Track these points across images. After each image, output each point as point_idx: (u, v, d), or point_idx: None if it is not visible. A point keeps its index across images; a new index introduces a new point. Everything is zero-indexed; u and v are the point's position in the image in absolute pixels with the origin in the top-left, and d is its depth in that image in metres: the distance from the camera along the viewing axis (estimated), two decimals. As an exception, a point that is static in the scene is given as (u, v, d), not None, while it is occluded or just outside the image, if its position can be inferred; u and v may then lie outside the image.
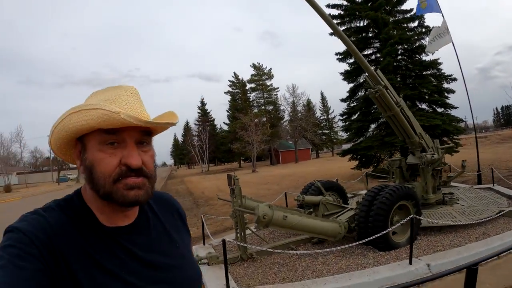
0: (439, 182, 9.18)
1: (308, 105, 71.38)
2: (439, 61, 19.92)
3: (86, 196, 1.10)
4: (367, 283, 5.24)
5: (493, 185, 11.80)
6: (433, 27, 15.28)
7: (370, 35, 21.11)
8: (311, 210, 8.31)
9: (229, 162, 78.41)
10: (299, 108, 64.98)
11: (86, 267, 0.97)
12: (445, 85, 19.85)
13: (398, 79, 20.04)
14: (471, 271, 3.85)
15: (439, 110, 19.48)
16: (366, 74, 8.84)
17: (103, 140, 1.02)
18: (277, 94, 66.31)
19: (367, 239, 6.08)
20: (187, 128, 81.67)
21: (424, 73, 19.67)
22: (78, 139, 1.06)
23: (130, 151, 1.04)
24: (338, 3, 21.46)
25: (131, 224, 1.14)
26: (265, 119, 61.76)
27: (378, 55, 20.32)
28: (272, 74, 65.31)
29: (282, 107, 64.69)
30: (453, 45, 15.03)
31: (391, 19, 19.76)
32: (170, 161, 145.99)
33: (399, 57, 20.34)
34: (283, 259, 6.87)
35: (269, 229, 8.67)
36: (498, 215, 7.79)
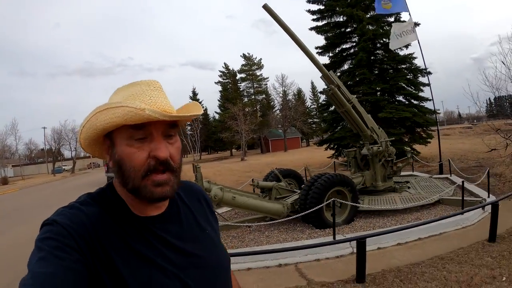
0: (390, 171, 10.21)
1: (299, 94, 72.35)
2: (414, 55, 20.97)
3: (118, 188, 1.15)
4: (292, 250, 6.18)
5: (450, 175, 12.75)
6: (395, 23, 16.08)
7: (348, 30, 21.88)
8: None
9: (222, 151, 79.29)
10: (289, 97, 66.12)
11: (123, 254, 1.03)
12: (421, 79, 20.77)
13: (376, 72, 20.98)
14: (360, 243, 5.01)
15: (416, 102, 20.28)
16: (321, 75, 9.94)
17: (131, 135, 1.06)
18: (266, 84, 67.40)
19: (300, 214, 7.71)
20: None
21: (399, 67, 20.51)
22: (106, 135, 1.10)
23: (157, 144, 1.07)
24: (319, -1, 22.15)
25: (162, 214, 1.18)
26: (254, 108, 62.84)
27: (357, 49, 21.11)
28: (262, 64, 66.70)
29: (272, 97, 65.88)
30: (419, 42, 16.00)
31: (368, 15, 20.52)
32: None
33: (378, 51, 21.25)
34: (238, 233, 8.21)
35: (235, 210, 10.07)
36: (433, 201, 8.83)
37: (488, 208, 7.78)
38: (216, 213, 1.49)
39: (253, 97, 66.73)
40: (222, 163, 42.14)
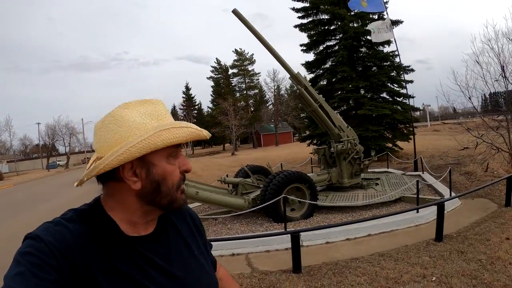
0: (357, 168, 10.51)
1: (291, 88, 72.54)
2: (396, 53, 21.17)
3: (107, 205, 1.13)
4: (246, 240, 6.80)
5: (422, 173, 12.99)
6: (374, 21, 16.31)
7: (332, 27, 21.98)
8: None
9: (216, 145, 79.46)
10: (282, 92, 66.47)
11: (109, 276, 1.02)
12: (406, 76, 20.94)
13: (360, 69, 21.18)
14: (294, 237, 5.29)
15: (399, 99, 20.47)
16: (289, 76, 10.31)
17: (170, 154, 1.10)
18: (258, 79, 67.66)
19: (254, 208, 8.37)
20: (174, 111, 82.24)
21: (382, 64, 20.68)
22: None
23: (183, 159, 1.15)
24: (303, -3, 22.24)
25: (151, 234, 1.17)
26: (246, 103, 63.10)
27: (337, 47, 21.28)
28: (254, 59, 66.88)
29: (265, 92, 66.20)
30: (395, 41, 16.26)
31: (351, 13, 20.58)
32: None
33: (362, 49, 21.44)
34: (205, 225, 8.72)
35: (208, 205, 10.41)
36: (394, 198, 9.12)
37: (448, 206, 8.10)
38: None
39: (245, 92, 67.07)
40: (212, 158, 42.37)
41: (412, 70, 21.07)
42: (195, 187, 8.72)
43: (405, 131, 20.07)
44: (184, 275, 1.18)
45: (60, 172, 54.29)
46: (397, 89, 20.29)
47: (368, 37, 18.03)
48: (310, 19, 22.54)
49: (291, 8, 22.68)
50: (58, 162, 74.29)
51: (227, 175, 11.95)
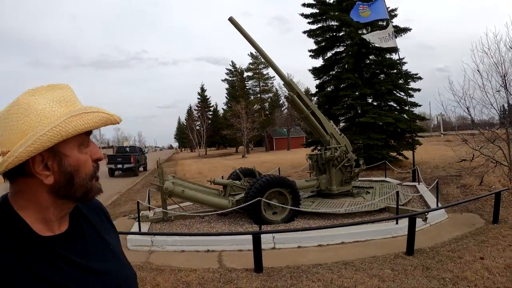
0: (348, 176, 10.52)
1: (306, 94, 72.44)
2: (404, 61, 21.10)
3: (17, 204, 1.03)
4: (223, 238, 7.17)
5: (418, 184, 12.85)
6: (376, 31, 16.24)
7: (340, 34, 21.94)
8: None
9: (230, 147, 79.63)
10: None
11: (26, 280, 0.94)
12: (413, 84, 20.88)
13: (367, 76, 21.09)
14: (255, 238, 5.58)
15: (407, 108, 20.26)
16: (283, 82, 10.47)
17: (82, 142, 1.04)
18: (273, 83, 67.77)
19: (232, 208, 8.84)
20: (190, 112, 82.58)
21: (391, 71, 20.55)
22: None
23: (94, 147, 1.09)
24: (313, 3, 22.32)
25: (65, 232, 1.10)
26: (259, 107, 63.22)
27: (344, 54, 21.24)
28: (269, 63, 66.06)
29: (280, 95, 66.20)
30: (397, 49, 16.20)
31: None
32: (175, 144, 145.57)
33: (370, 56, 21.37)
34: (190, 222, 9.47)
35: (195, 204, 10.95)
36: (378, 208, 9.13)
37: (433, 219, 8.06)
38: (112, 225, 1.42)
39: (259, 95, 67.16)
40: (222, 159, 42.60)
41: (420, 78, 20.79)
42: (182, 186, 9.20)
43: (410, 140, 19.90)
44: (104, 270, 1.14)
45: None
46: (404, 97, 20.03)
47: (373, 44, 17.92)
48: (319, 25, 22.45)
49: (300, 14, 22.74)
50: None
51: (222, 177, 12.14)
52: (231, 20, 10.03)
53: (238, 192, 9.63)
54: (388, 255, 6.19)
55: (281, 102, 67.83)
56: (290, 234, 7.16)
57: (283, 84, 10.85)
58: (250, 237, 6.01)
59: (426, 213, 7.88)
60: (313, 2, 22.34)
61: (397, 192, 8.05)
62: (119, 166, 26.68)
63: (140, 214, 9.11)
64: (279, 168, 16.75)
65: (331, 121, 11.06)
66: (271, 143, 66.51)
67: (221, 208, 8.98)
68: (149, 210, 10.23)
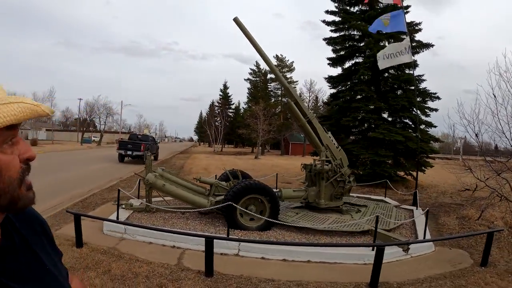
0: (339, 191, 10.10)
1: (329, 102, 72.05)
2: (423, 77, 20.52)
3: None
4: (190, 236, 7.07)
5: (417, 208, 12.34)
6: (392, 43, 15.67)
7: (361, 44, 21.42)
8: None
9: (249, 146, 79.71)
10: (320, 103, 65.98)
11: None
12: (430, 103, 20.24)
13: (384, 89, 20.56)
14: (208, 242, 5.58)
15: (422, 127, 19.64)
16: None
17: (4, 140, 0.87)
18: (295, 87, 67.24)
19: (203, 209, 8.96)
20: (212, 107, 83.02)
21: (407, 87, 19.92)
22: None
23: (24, 144, 0.92)
24: (335, 10, 21.97)
25: None
26: (279, 110, 62.92)
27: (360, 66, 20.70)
28: (294, 67, 66.80)
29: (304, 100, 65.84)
30: (413, 64, 15.59)
31: (380, 31, 19.99)
32: (196, 137, 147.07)
33: (391, 70, 20.70)
34: (169, 216, 9.47)
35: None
36: (360, 230, 8.56)
37: (417, 251, 7.54)
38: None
39: (280, 98, 66.70)
40: (234, 158, 42.76)
41: (438, 97, 20.04)
42: (168, 180, 9.47)
43: (420, 161, 19.25)
44: None
45: (91, 148, 56.03)
46: (420, 115, 19.38)
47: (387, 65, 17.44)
48: (341, 33, 22.04)
49: (322, 21, 22.36)
50: (93, 138, 77.49)
51: (215, 176, 12.36)
52: (236, 20, 9.73)
53: (223, 193, 9.41)
54: (349, 283, 5.76)
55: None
56: (255, 244, 6.90)
57: (282, 90, 10.47)
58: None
59: (407, 246, 7.38)
60: (336, 10, 22.02)
61: (377, 217, 7.48)
62: (129, 152, 27.11)
63: (126, 202, 9.71)
64: (276, 174, 16.32)
65: (329, 132, 10.64)
66: (287, 147, 66.59)
67: (199, 206, 9.00)
68: (138, 199, 10.54)
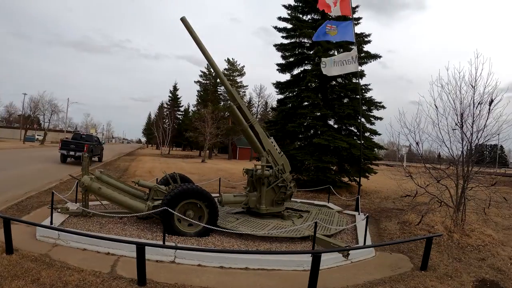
0: (280, 197, 10.00)
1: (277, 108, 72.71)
2: (369, 87, 20.92)
3: None
4: (122, 243, 6.66)
5: (359, 213, 12.53)
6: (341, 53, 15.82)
7: (311, 52, 21.58)
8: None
9: (197, 149, 79.02)
10: (269, 109, 66.53)
11: None
12: (375, 112, 20.67)
13: (330, 97, 20.75)
14: (139, 249, 5.30)
15: (367, 134, 19.95)
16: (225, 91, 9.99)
17: None
18: (245, 92, 67.55)
19: (137, 214, 8.49)
20: (161, 108, 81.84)
21: (355, 96, 20.15)
22: None
23: None
24: (288, 18, 22.01)
25: None
26: (227, 114, 62.77)
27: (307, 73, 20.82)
28: (244, 72, 66.61)
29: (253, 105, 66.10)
30: (358, 74, 15.83)
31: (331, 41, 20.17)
32: (144, 139, 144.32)
33: (339, 78, 20.89)
34: (106, 221, 8.99)
35: None
36: (300, 236, 8.48)
37: (357, 256, 7.49)
38: None
39: (229, 102, 66.42)
40: (180, 161, 42.44)
41: (383, 106, 20.53)
42: (107, 183, 9.18)
43: (364, 167, 19.55)
44: None
45: (34, 146, 53.71)
46: (365, 123, 19.74)
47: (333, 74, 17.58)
48: (292, 40, 22.19)
49: (274, 27, 22.36)
50: (37, 136, 74.61)
51: (156, 180, 11.78)
52: (183, 20, 9.42)
53: (162, 197, 9.07)
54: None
55: (252, 111, 67.77)
56: (193, 251, 6.65)
57: (225, 93, 10.25)
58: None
59: (347, 252, 7.34)
60: (288, 17, 22.08)
61: (316, 223, 7.36)
62: (72, 153, 26.12)
63: (62, 206, 9.11)
64: (220, 178, 16.07)
65: (272, 138, 10.55)
66: (235, 152, 66.75)
67: (136, 211, 8.55)
68: (75, 203, 9.95)
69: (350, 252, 7.38)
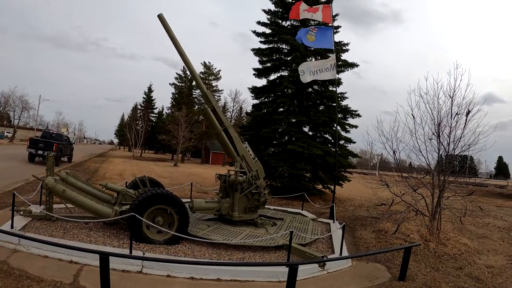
0: (253, 204, 9.75)
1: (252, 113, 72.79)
2: (345, 95, 20.87)
3: None
4: (84, 251, 6.10)
5: (333, 222, 12.36)
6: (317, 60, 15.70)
7: (288, 58, 21.41)
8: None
9: (170, 153, 78.25)
10: (243, 114, 66.47)
11: None
12: (351, 120, 20.62)
13: (307, 104, 20.61)
14: (103, 259, 4.93)
15: (341, 142, 19.87)
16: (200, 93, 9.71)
17: None
18: (220, 96, 67.27)
19: (117, 218, 7.80)
20: (134, 110, 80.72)
21: (331, 104, 20.13)
22: None
23: None
24: (267, 22, 21.86)
25: None
26: (201, 117, 62.40)
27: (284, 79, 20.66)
28: (220, 76, 66.38)
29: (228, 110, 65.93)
30: (335, 81, 15.75)
31: (309, 48, 20.03)
32: (116, 140, 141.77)
33: (315, 86, 20.83)
34: (71, 226, 8.38)
35: None
36: (274, 245, 8.23)
37: (333, 266, 7.27)
38: None
39: (203, 105, 66.08)
40: (152, 164, 41.84)
41: (359, 115, 20.48)
42: (72, 185, 8.65)
43: (338, 175, 19.44)
44: None
45: (2, 144, 51.91)
46: (340, 131, 19.64)
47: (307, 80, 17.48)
48: (270, 45, 21.97)
49: (252, 31, 22.13)
50: (6, 134, 71.97)
51: (126, 183, 11.49)
52: (160, 17, 9.02)
53: (130, 202, 8.64)
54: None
55: (226, 116, 67.59)
56: (161, 262, 6.22)
57: (200, 96, 9.94)
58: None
59: (323, 263, 7.11)
60: (268, 22, 21.92)
61: (291, 232, 7.07)
62: (40, 152, 24.99)
63: (25, 208, 8.58)
64: (191, 183, 15.63)
65: (246, 143, 10.30)
66: (208, 156, 66.32)
67: (102, 216, 7.98)
68: (39, 205, 9.41)
69: (327, 262, 7.12)
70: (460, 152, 10.67)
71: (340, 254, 8.10)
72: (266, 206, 11.62)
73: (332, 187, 18.83)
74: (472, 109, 9.95)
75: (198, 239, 7.55)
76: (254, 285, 6.11)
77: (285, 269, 6.30)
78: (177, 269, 6.16)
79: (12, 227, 7.42)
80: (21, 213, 8.46)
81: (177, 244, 7.72)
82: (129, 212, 7.27)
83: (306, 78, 14.78)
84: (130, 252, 6.50)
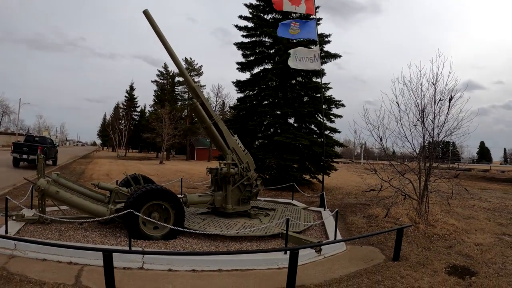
0: (246, 195, 9.88)
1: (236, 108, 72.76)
2: (329, 85, 21.10)
3: None
4: (86, 250, 6.26)
5: (324, 210, 12.59)
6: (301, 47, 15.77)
7: (271, 51, 21.59)
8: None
9: (154, 151, 77.79)
10: (226, 109, 66.44)
11: None
12: (335, 110, 20.84)
13: (290, 96, 20.74)
14: (106, 256, 4.89)
15: (327, 132, 20.06)
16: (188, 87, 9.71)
17: None
18: (203, 92, 67.04)
19: (113, 216, 7.84)
20: (116, 109, 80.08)
21: (315, 95, 20.39)
22: None
23: None
24: (249, 16, 21.94)
25: None
26: (185, 114, 62.20)
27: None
28: (202, 71, 66.23)
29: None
30: (320, 72, 15.86)
31: (292, 40, 20.12)
32: (99, 141, 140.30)
33: (299, 77, 21.00)
34: (67, 228, 8.30)
35: None
36: (270, 234, 8.34)
37: (329, 251, 7.43)
38: None
39: (186, 102, 65.84)
40: (139, 163, 41.61)
41: (343, 105, 20.74)
42: (65, 186, 8.55)
43: (325, 165, 19.67)
44: None
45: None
46: (325, 121, 19.81)
47: (300, 67, 17.57)
48: (253, 39, 22.07)
49: (234, 25, 22.20)
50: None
51: (116, 182, 11.31)
52: (146, 13, 8.95)
53: (124, 199, 8.66)
54: (259, 289, 5.42)
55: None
56: (161, 255, 6.28)
57: (188, 90, 9.94)
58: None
59: (319, 247, 7.25)
60: (250, 16, 22.00)
61: (287, 219, 7.22)
62: (24, 156, 24.80)
63: (17, 213, 8.42)
64: (181, 179, 15.74)
65: (236, 135, 10.38)
66: (193, 152, 66.32)
67: (97, 215, 7.94)
68: (31, 209, 9.23)
69: (322, 247, 7.29)
70: (444, 137, 10.89)
71: (335, 239, 8.25)
72: (257, 197, 11.72)
73: (319, 177, 19.16)
74: (454, 96, 10.18)
75: (195, 231, 7.60)
76: (255, 273, 6.20)
77: (283, 256, 6.51)
78: (178, 263, 6.21)
79: (6, 232, 7.32)
80: (14, 218, 8.34)
81: (175, 239, 7.77)
82: (125, 208, 7.28)
83: (293, 64, 14.84)
84: (130, 249, 6.55)
